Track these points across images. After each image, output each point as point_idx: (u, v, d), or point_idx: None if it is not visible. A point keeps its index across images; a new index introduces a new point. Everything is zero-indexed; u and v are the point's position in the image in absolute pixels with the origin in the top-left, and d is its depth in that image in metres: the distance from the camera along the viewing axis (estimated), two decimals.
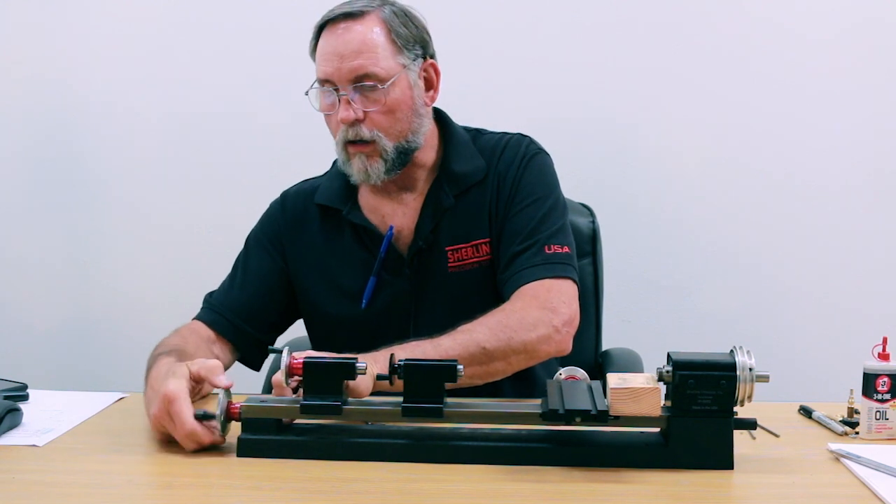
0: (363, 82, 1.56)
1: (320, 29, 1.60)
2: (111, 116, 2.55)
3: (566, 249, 1.62)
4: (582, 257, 1.82)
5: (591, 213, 1.97)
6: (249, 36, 2.50)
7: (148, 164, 2.55)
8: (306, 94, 1.60)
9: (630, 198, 2.48)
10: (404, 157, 1.62)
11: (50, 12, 2.53)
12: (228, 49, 2.50)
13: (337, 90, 1.57)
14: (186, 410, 1.26)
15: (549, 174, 1.70)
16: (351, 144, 1.59)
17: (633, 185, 2.48)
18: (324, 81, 1.58)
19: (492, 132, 1.74)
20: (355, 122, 1.57)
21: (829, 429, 1.38)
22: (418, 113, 1.63)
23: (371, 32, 1.57)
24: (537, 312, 1.53)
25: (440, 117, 1.71)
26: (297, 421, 1.29)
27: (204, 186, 2.54)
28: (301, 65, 2.46)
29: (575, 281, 1.61)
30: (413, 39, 1.61)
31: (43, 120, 2.56)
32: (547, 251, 1.60)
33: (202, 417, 1.27)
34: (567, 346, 1.56)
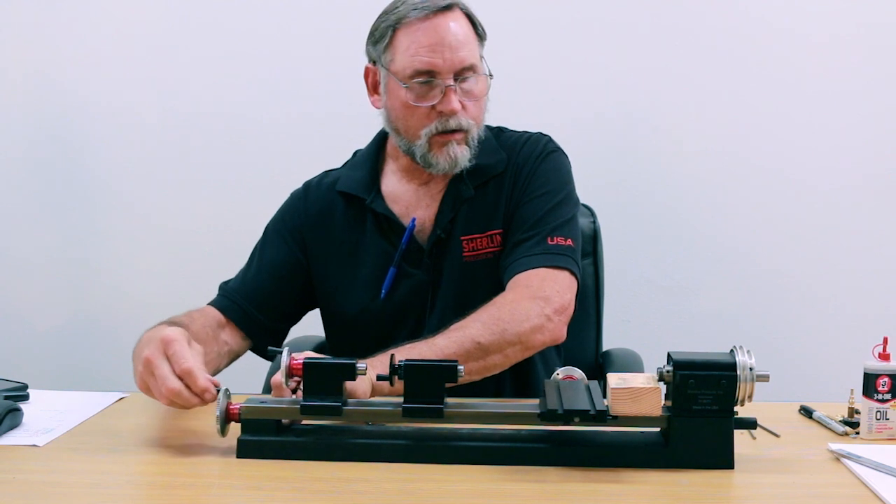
0: (465, 74, 1.60)
1: (397, 23, 1.61)
2: (111, 116, 2.54)
3: (569, 242, 1.63)
4: (582, 257, 1.82)
5: (592, 213, 1.97)
6: (250, 36, 2.50)
7: (148, 163, 2.55)
8: (406, 86, 1.60)
9: (630, 198, 2.48)
10: (477, 145, 1.66)
11: (50, 12, 2.53)
12: (229, 49, 2.50)
13: (433, 82, 1.59)
14: (187, 351, 1.27)
15: (563, 171, 1.72)
16: (443, 134, 1.61)
17: (633, 186, 2.48)
18: (423, 73, 1.59)
19: (513, 130, 1.77)
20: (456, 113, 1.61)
21: (829, 429, 1.38)
22: (486, 105, 1.68)
23: (465, 25, 1.62)
24: (528, 303, 1.53)
25: None
26: (297, 422, 1.29)
27: (204, 186, 2.54)
28: (302, 65, 2.49)
29: (573, 272, 1.61)
30: (484, 32, 1.67)
31: (43, 120, 2.56)
32: (549, 242, 1.61)
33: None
34: (561, 335, 1.56)
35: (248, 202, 2.45)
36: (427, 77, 1.59)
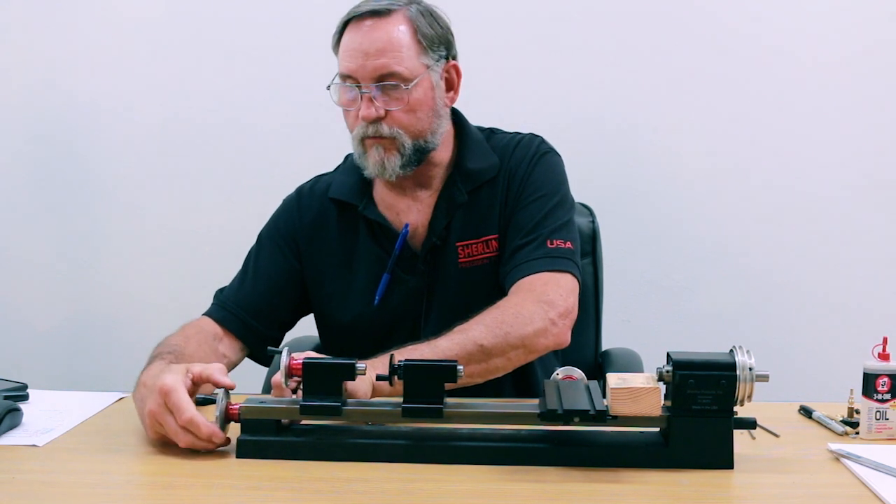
0: (386, 81, 1.57)
1: (345, 24, 1.60)
2: (111, 117, 2.54)
3: (569, 245, 1.62)
4: (582, 257, 1.82)
5: (591, 213, 1.97)
6: (251, 38, 2.50)
7: (148, 164, 2.55)
8: (328, 88, 1.60)
9: (630, 198, 2.48)
10: (421, 155, 1.62)
11: (50, 12, 2.53)
12: (230, 51, 2.50)
13: (359, 87, 1.57)
14: (185, 400, 1.25)
15: (558, 173, 1.71)
16: (369, 138, 1.59)
17: (633, 185, 2.48)
18: (346, 77, 1.58)
19: (505, 132, 1.76)
20: (376, 120, 1.57)
21: (829, 429, 1.38)
22: (438, 114, 1.64)
23: (397, 31, 1.57)
24: (533, 306, 1.52)
25: (455, 116, 1.72)
26: (297, 422, 1.29)
27: (204, 187, 2.54)
28: (303, 67, 2.49)
29: (575, 275, 1.61)
30: (438, 40, 1.62)
31: (44, 120, 2.56)
32: (549, 245, 1.60)
33: (202, 402, 1.26)
34: (565, 339, 1.55)
35: (247, 202, 2.45)
36: (350, 81, 1.58)
